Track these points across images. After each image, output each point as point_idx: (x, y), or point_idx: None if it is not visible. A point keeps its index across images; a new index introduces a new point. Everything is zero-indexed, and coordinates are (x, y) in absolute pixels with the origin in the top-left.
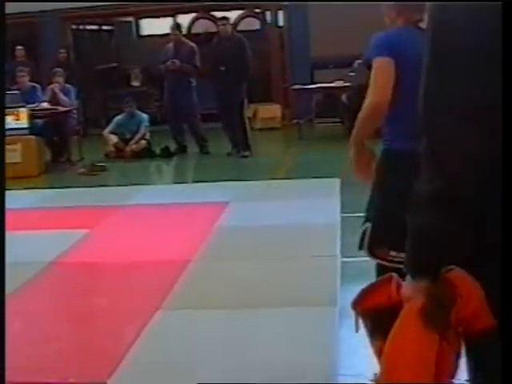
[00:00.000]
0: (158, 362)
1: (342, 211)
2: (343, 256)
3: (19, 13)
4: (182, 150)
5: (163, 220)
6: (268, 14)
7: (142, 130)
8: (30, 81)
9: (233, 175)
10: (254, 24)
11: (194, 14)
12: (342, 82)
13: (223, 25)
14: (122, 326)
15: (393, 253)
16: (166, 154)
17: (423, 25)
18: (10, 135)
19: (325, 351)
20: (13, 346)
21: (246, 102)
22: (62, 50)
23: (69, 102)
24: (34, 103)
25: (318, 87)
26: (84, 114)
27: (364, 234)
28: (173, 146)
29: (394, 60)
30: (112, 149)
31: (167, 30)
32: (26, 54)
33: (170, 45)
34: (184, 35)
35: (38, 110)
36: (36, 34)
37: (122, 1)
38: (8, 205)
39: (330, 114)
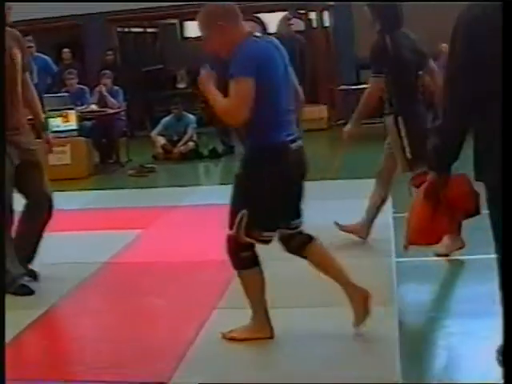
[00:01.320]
0: (217, 361)
1: (394, 211)
2: (397, 256)
3: (64, 16)
4: (230, 150)
5: (214, 220)
6: (313, 15)
7: (190, 132)
8: (78, 83)
9: None
10: (298, 25)
11: None
12: None
13: (289, 25)
14: (180, 325)
15: (266, 233)
16: (214, 155)
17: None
18: (59, 137)
19: (383, 351)
20: (73, 345)
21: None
22: (109, 52)
23: (116, 103)
24: (82, 105)
25: (363, 87)
26: (130, 116)
27: (241, 219)
28: (220, 148)
29: (257, 76)
30: (160, 150)
31: None
32: (73, 56)
33: None
34: None
35: (86, 112)
36: (82, 36)
37: (168, 1)
38: (58, 206)
39: (377, 114)
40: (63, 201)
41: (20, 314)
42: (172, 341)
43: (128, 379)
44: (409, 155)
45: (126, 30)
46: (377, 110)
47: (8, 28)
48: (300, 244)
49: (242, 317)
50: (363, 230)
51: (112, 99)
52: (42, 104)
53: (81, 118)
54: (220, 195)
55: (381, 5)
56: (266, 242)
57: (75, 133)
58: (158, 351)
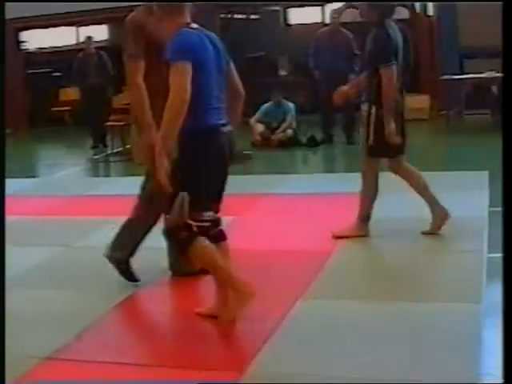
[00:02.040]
0: (297, 352)
1: (491, 205)
2: (490, 252)
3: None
4: (329, 139)
5: (307, 209)
6: (417, 3)
7: (289, 120)
8: None
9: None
10: (402, 13)
11: (342, 4)
12: (493, 72)
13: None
14: (263, 313)
15: (207, 213)
16: (313, 143)
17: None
18: None
19: (467, 349)
20: (153, 331)
21: (404, 93)
22: None
23: None
24: None
25: (467, 77)
26: None
27: (182, 201)
28: (319, 136)
29: (192, 62)
30: (258, 137)
31: (315, 19)
32: None
33: (324, 31)
34: (328, 24)
35: None
36: None
37: None
38: None
39: (479, 105)
40: None
41: (103, 298)
42: (253, 329)
43: (206, 365)
44: (371, 142)
45: (230, 16)
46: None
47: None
48: (214, 235)
49: (326, 308)
50: (442, 217)
51: None
52: None
53: None
54: (317, 184)
55: None
56: (208, 221)
57: None
58: (239, 339)
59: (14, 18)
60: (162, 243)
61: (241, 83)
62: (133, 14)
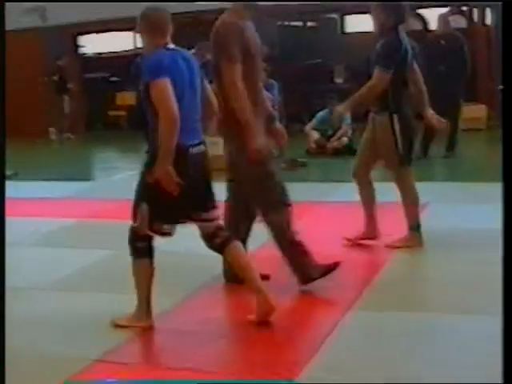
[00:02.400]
0: (347, 362)
1: None
2: None
3: (222, 9)
4: None
5: (361, 218)
6: (475, 12)
7: (344, 127)
8: None
9: (433, 176)
10: (460, 22)
11: None
12: None
13: (447, 22)
14: (315, 322)
15: (166, 226)
16: None
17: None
18: None
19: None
20: (200, 337)
21: (462, 102)
22: (266, 47)
23: (271, 96)
24: None
25: None
26: (286, 109)
27: (142, 213)
28: None
29: (170, 79)
30: (313, 145)
31: (372, 28)
32: None
33: None
34: None
35: None
36: None
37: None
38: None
39: None
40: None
41: (154, 303)
42: (304, 338)
43: (257, 372)
44: (401, 151)
45: (286, 23)
46: None
47: (248, 22)
48: (221, 243)
49: (377, 319)
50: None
51: (265, 92)
52: None
53: None
54: None
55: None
56: (167, 234)
57: None
58: (290, 347)
59: (72, 23)
60: None
61: (216, 100)
62: (225, 16)
